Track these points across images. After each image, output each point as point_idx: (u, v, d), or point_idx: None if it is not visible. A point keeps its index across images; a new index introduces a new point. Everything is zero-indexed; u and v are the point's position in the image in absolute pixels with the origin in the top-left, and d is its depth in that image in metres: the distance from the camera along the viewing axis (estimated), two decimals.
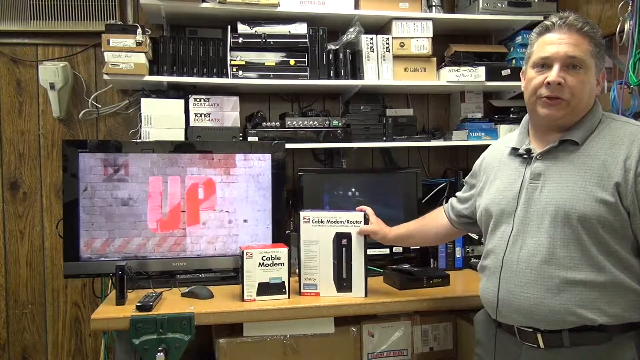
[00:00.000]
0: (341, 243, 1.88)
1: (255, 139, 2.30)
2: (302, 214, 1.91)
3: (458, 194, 1.77)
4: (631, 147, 1.28)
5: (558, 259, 1.30)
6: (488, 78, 2.47)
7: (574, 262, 1.29)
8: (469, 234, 2.29)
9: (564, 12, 1.38)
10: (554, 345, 1.31)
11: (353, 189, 2.35)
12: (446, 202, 2.48)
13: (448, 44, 2.56)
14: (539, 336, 1.33)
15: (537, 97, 1.37)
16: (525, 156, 1.43)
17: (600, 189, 1.27)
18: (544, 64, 1.36)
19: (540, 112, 1.38)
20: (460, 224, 1.73)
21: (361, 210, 1.88)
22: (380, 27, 2.51)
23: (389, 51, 2.42)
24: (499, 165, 1.52)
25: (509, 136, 1.57)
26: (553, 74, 1.33)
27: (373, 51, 2.41)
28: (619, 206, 1.26)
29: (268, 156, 2.20)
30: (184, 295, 1.91)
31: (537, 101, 1.38)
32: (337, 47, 2.40)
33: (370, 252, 1.95)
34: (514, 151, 1.47)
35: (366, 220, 1.87)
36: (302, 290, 1.90)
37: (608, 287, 1.27)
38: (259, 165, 2.20)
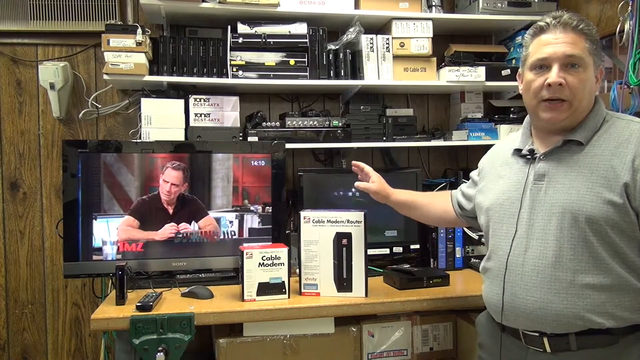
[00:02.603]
0: (341, 243, 1.88)
1: (255, 139, 2.30)
2: (302, 214, 1.91)
3: (463, 187, 1.74)
4: (639, 146, 1.26)
5: (565, 262, 1.28)
6: (488, 78, 2.47)
7: (581, 264, 1.27)
8: (469, 230, 2.30)
9: (558, 12, 1.37)
10: (560, 349, 1.30)
11: (353, 189, 2.35)
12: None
13: (448, 44, 2.56)
14: (545, 340, 1.31)
15: (539, 100, 1.35)
16: (528, 157, 1.41)
17: (608, 190, 1.25)
18: (542, 66, 1.34)
19: (543, 116, 1.36)
20: (463, 216, 1.73)
21: (357, 167, 1.84)
22: (380, 27, 2.51)
23: (389, 51, 2.42)
24: (502, 166, 1.50)
25: (513, 136, 1.55)
26: (553, 75, 1.31)
27: (373, 51, 2.41)
28: (627, 207, 1.24)
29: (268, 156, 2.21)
30: (184, 295, 1.91)
31: (538, 105, 1.36)
32: (337, 47, 2.40)
33: (370, 252, 1.95)
34: (517, 152, 1.45)
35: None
36: (303, 290, 1.90)
37: (616, 290, 1.25)
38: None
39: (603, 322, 1.25)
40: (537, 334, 1.33)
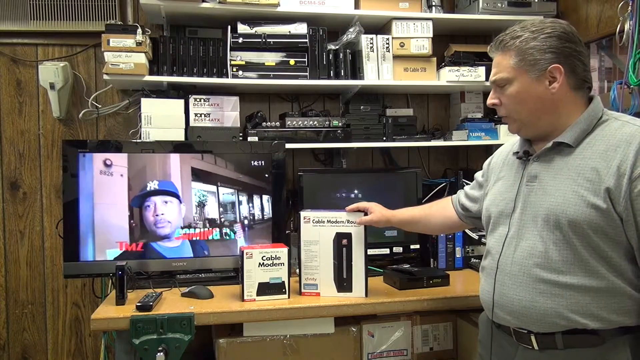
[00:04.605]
0: (341, 243, 1.88)
1: (255, 139, 2.30)
2: (302, 214, 1.91)
3: (466, 189, 1.75)
4: (627, 150, 1.24)
5: (550, 263, 1.29)
6: (488, 78, 2.46)
7: (566, 265, 1.28)
8: (470, 230, 2.30)
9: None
10: (547, 347, 1.31)
11: (353, 189, 2.35)
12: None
13: (448, 44, 2.57)
14: (533, 338, 1.33)
15: None
16: (524, 159, 1.43)
17: (592, 194, 1.25)
18: None
19: None
20: (467, 217, 1.73)
21: (358, 210, 1.87)
22: (380, 27, 2.52)
23: (389, 51, 2.42)
24: (502, 167, 1.53)
25: (516, 138, 1.56)
26: (489, 98, 1.45)
27: (373, 51, 2.41)
28: (612, 212, 1.23)
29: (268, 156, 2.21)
30: (184, 295, 1.91)
31: None
32: (337, 47, 2.40)
33: (370, 252, 1.95)
34: (516, 154, 1.48)
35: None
36: (303, 290, 1.90)
37: (601, 292, 1.25)
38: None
39: (587, 322, 1.26)
40: (525, 331, 1.35)
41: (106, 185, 2.06)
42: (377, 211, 1.84)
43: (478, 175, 1.70)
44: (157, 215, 2.10)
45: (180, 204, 2.12)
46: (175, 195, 2.12)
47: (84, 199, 2.04)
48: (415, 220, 1.83)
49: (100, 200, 2.05)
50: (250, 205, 2.19)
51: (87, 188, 2.04)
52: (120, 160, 2.08)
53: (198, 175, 2.14)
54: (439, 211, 1.82)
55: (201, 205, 2.14)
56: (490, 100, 1.44)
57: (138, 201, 2.09)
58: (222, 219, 2.17)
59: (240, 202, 2.18)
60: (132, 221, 2.08)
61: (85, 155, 2.04)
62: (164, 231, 2.10)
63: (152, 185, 2.10)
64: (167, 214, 2.11)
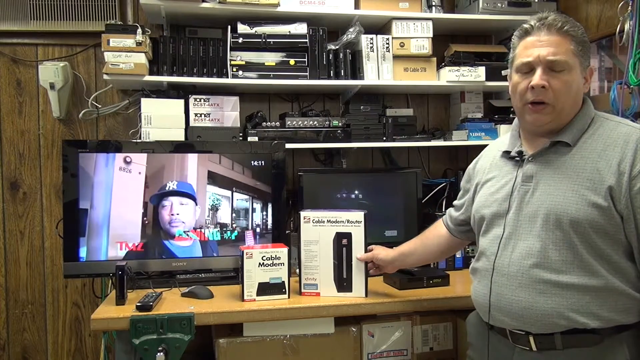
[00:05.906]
0: (341, 243, 1.88)
1: (255, 139, 2.30)
2: (302, 214, 1.91)
3: (454, 202, 1.74)
4: (625, 149, 1.26)
5: (550, 263, 1.29)
6: (488, 78, 2.47)
7: (565, 265, 1.28)
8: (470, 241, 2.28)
9: (544, 13, 1.36)
10: (546, 347, 1.31)
11: (353, 189, 2.35)
12: (446, 204, 2.51)
13: (448, 44, 2.57)
14: (531, 339, 1.32)
15: (524, 103, 1.35)
16: (517, 159, 1.42)
17: (593, 193, 1.26)
18: (527, 68, 1.34)
19: (528, 119, 1.37)
20: (460, 232, 1.71)
21: (370, 250, 1.89)
22: (380, 27, 2.52)
23: (389, 51, 2.42)
24: (491, 168, 1.51)
25: (502, 139, 1.55)
26: (536, 78, 1.31)
27: (373, 51, 2.41)
28: (612, 210, 1.24)
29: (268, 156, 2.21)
30: (184, 295, 1.91)
31: (524, 107, 1.36)
32: (337, 47, 2.40)
33: None
34: (506, 154, 1.46)
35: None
36: (303, 290, 1.90)
37: (600, 291, 1.26)
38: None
39: (587, 322, 1.26)
40: (523, 333, 1.34)
41: (124, 181, 2.08)
42: (379, 247, 1.87)
43: (462, 182, 1.69)
44: (172, 215, 2.12)
45: (195, 206, 2.14)
46: (192, 197, 2.14)
47: (103, 194, 2.06)
48: (413, 249, 1.82)
49: (118, 196, 2.07)
50: (263, 213, 2.20)
51: (108, 183, 2.07)
52: (139, 158, 2.10)
53: (214, 178, 2.15)
54: (433, 233, 1.80)
55: (214, 209, 2.16)
56: (540, 81, 1.30)
57: (156, 199, 2.11)
58: (234, 225, 2.17)
59: (254, 210, 2.19)
60: (145, 218, 2.10)
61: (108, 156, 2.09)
62: (177, 230, 2.12)
63: (171, 185, 2.12)
64: (182, 214, 2.13)
